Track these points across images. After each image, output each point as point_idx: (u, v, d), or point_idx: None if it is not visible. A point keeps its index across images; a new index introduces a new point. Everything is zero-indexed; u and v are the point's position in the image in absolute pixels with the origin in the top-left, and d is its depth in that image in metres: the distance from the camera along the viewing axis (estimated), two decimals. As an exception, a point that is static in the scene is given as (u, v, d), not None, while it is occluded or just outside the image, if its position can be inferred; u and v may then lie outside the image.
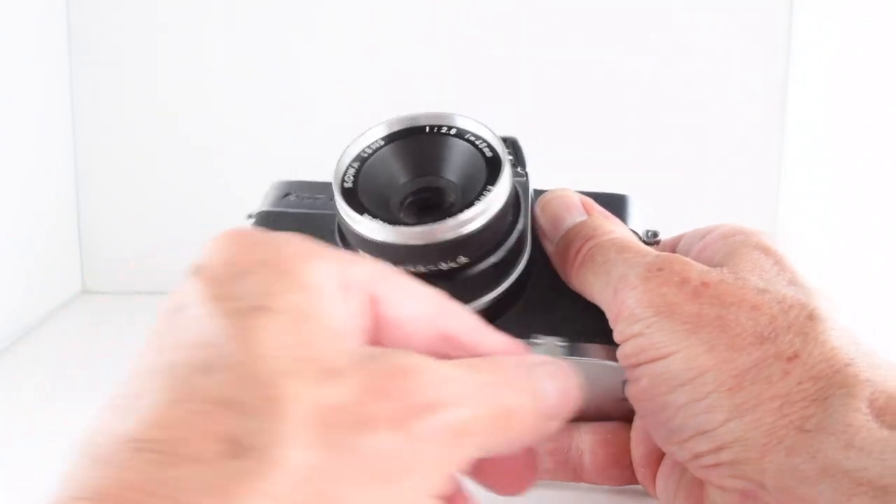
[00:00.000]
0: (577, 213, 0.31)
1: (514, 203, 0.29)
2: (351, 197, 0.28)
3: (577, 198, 0.31)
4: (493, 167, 0.28)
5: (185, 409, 0.18)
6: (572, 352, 0.30)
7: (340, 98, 0.64)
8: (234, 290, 0.20)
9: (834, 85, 0.57)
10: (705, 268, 0.27)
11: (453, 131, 0.29)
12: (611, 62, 0.65)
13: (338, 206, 0.28)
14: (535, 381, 0.22)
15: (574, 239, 0.30)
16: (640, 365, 0.27)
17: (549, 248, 0.31)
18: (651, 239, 0.32)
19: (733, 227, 0.30)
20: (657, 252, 0.28)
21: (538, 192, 0.32)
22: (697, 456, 0.26)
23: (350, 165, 0.29)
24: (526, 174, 0.31)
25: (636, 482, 0.32)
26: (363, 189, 0.28)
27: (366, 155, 0.29)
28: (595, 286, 0.29)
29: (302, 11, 0.63)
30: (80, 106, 0.64)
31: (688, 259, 0.28)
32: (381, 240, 0.26)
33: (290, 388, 0.18)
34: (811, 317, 0.25)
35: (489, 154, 0.28)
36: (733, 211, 0.66)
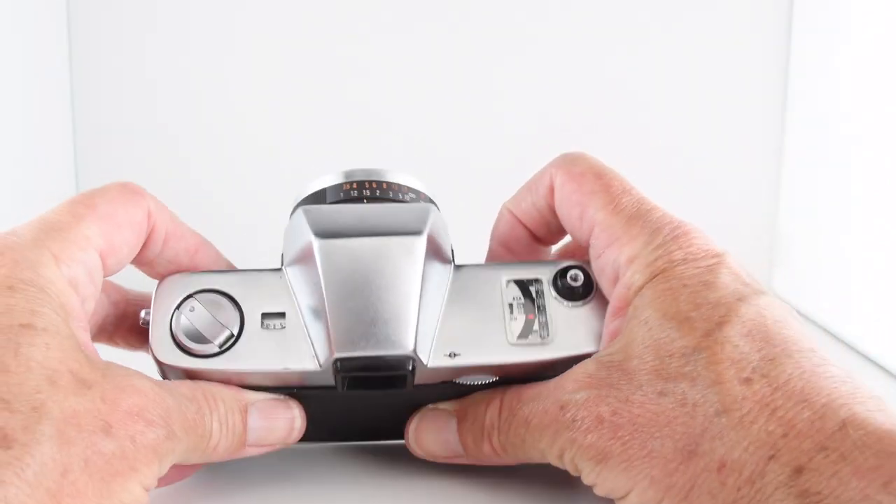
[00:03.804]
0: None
1: None
2: None
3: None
4: None
5: None
6: None
7: (344, 101, 0.64)
8: (4, 303, 0.25)
9: (834, 85, 0.57)
10: (602, 387, 0.28)
11: None
12: (610, 63, 0.65)
13: None
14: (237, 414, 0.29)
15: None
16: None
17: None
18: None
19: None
20: (559, 399, 0.28)
21: None
22: None
23: None
24: None
25: None
26: None
27: None
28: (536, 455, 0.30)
29: (305, 15, 0.63)
30: (81, 106, 0.64)
31: (582, 382, 0.28)
32: None
33: (50, 395, 0.24)
34: (720, 411, 0.25)
35: None
36: (733, 212, 0.66)
